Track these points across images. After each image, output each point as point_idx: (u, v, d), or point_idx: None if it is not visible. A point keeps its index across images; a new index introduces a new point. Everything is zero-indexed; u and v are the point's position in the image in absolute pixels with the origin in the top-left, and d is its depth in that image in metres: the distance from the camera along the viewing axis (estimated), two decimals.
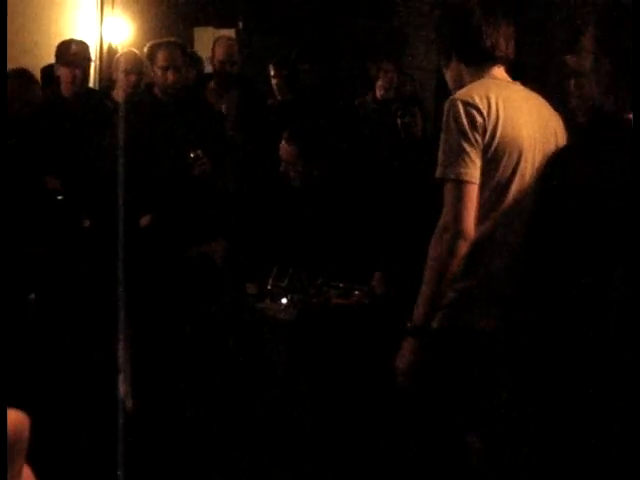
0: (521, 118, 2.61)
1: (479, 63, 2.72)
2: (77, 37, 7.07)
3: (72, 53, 5.01)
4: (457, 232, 2.52)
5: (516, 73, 2.85)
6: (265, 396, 3.98)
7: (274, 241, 4.18)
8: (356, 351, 3.70)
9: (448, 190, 2.55)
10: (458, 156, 2.53)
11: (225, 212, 4.88)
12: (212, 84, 5.60)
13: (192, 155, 4.65)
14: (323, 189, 4.10)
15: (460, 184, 2.53)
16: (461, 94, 2.61)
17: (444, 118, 2.60)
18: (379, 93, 5.95)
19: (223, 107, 5.46)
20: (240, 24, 8.57)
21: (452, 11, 2.82)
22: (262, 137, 5.53)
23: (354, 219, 4.02)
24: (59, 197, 4.70)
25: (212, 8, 8.61)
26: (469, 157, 2.52)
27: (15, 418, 0.79)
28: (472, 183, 2.53)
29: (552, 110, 2.79)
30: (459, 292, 2.60)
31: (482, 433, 2.70)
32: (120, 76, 5.30)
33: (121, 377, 4.64)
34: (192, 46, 7.75)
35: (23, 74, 4.57)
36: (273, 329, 3.83)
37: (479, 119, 2.53)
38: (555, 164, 2.67)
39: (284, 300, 3.76)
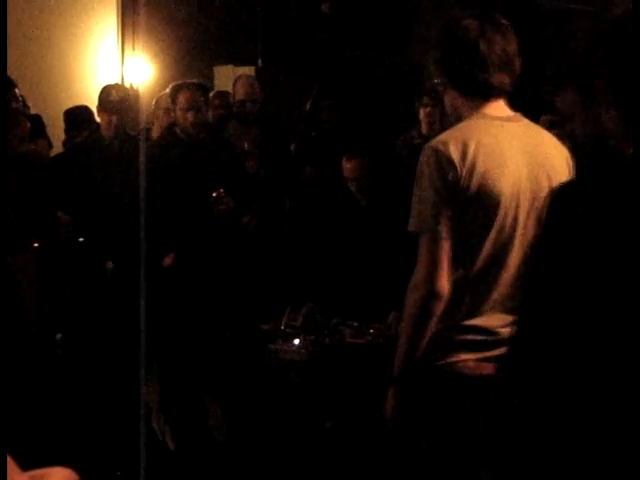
0: (503, 168, 2.41)
1: (473, 95, 2.50)
2: (98, 78, 7.19)
3: (111, 100, 5.10)
4: (429, 292, 2.38)
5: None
6: (280, 436, 3.96)
7: (288, 280, 4.17)
8: (371, 390, 3.67)
9: (421, 244, 2.41)
10: (429, 209, 2.38)
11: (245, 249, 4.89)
12: (233, 123, 5.63)
13: (214, 194, 4.67)
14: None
15: (431, 240, 2.38)
16: (437, 141, 2.44)
17: (418, 165, 2.43)
18: (424, 128, 5.88)
19: (245, 145, 5.49)
20: (260, 61, 8.63)
21: (446, 33, 2.52)
22: (285, 173, 5.55)
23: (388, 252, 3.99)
24: (80, 239, 4.72)
25: (232, 46, 8.69)
26: (440, 211, 2.36)
27: (64, 477, 0.78)
28: (444, 239, 2.37)
29: (556, 145, 2.58)
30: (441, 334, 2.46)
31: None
32: (160, 113, 5.44)
33: (154, 415, 4.64)
34: (212, 84, 7.80)
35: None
36: (285, 370, 3.80)
37: (451, 172, 2.35)
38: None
39: (296, 341, 3.74)
